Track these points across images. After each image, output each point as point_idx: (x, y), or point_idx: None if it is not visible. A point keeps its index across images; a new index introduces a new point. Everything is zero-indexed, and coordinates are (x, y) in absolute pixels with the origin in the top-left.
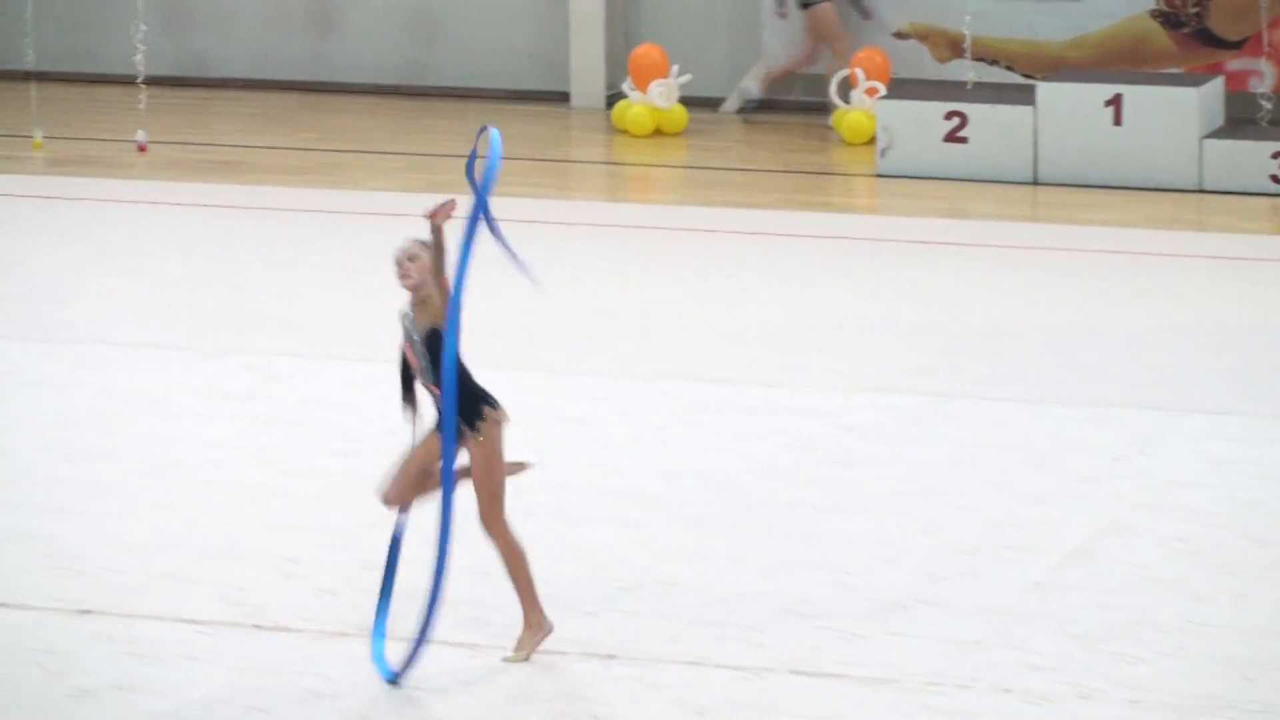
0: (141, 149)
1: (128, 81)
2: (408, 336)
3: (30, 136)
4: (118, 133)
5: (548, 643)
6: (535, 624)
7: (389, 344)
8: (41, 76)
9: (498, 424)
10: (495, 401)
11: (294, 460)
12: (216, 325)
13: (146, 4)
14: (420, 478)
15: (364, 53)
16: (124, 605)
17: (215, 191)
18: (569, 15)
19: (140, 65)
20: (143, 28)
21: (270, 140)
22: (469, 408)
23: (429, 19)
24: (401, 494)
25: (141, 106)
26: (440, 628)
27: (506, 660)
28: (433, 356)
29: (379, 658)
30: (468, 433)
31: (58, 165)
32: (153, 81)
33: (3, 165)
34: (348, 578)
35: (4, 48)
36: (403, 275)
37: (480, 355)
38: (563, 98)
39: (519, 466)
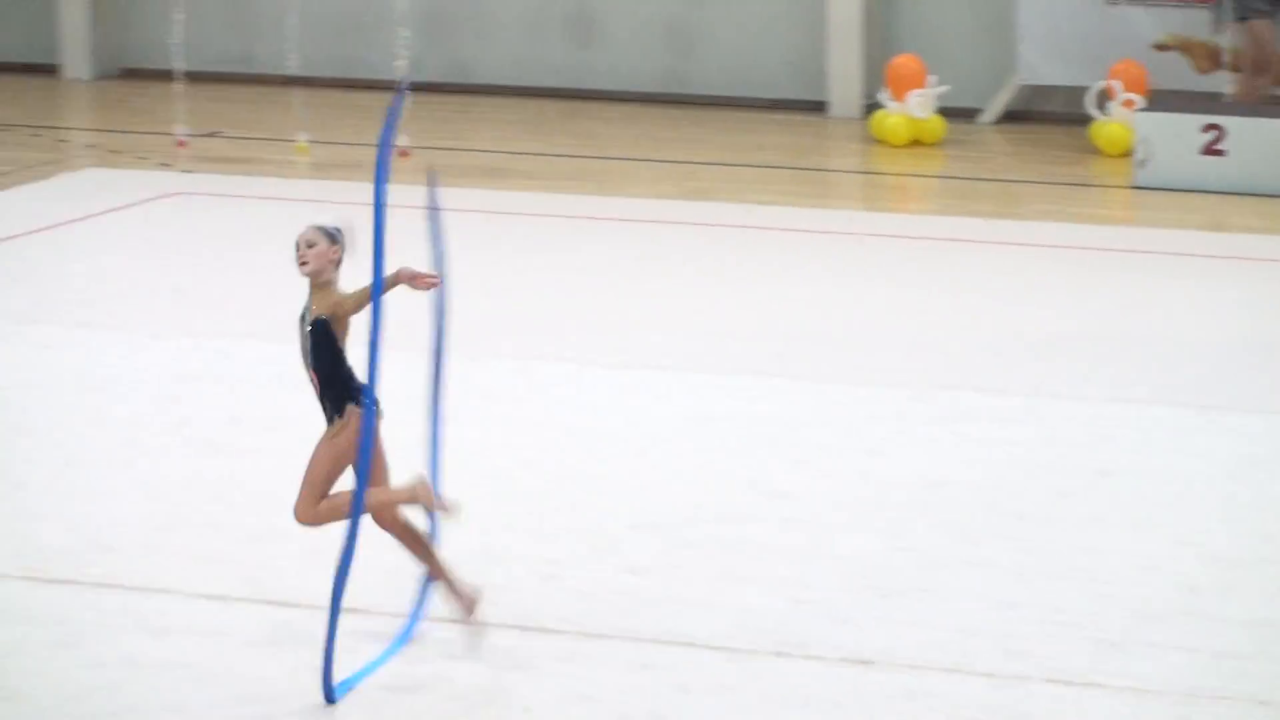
0: (403, 154)
1: (390, 87)
2: (302, 318)
3: (294, 140)
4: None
5: (789, 648)
6: (458, 591)
7: (653, 351)
8: (306, 82)
9: (357, 421)
10: (368, 399)
11: (556, 463)
12: (478, 329)
13: (410, 11)
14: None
15: (623, 61)
16: (382, 605)
17: (475, 196)
18: (827, 25)
19: (404, 72)
20: (405, 35)
21: (530, 147)
22: (343, 396)
23: (688, 29)
24: (307, 508)
25: (405, 112)
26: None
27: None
28: (315, 343)
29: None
30: (335, 420)
31: (321, 169)
32: (415, 87)
33: (268, 168)
34: (608, 581)
35: (270, 53)
36: (300, 261)
37: (743, 363)
38: (820, 107)
39: (432, 500)
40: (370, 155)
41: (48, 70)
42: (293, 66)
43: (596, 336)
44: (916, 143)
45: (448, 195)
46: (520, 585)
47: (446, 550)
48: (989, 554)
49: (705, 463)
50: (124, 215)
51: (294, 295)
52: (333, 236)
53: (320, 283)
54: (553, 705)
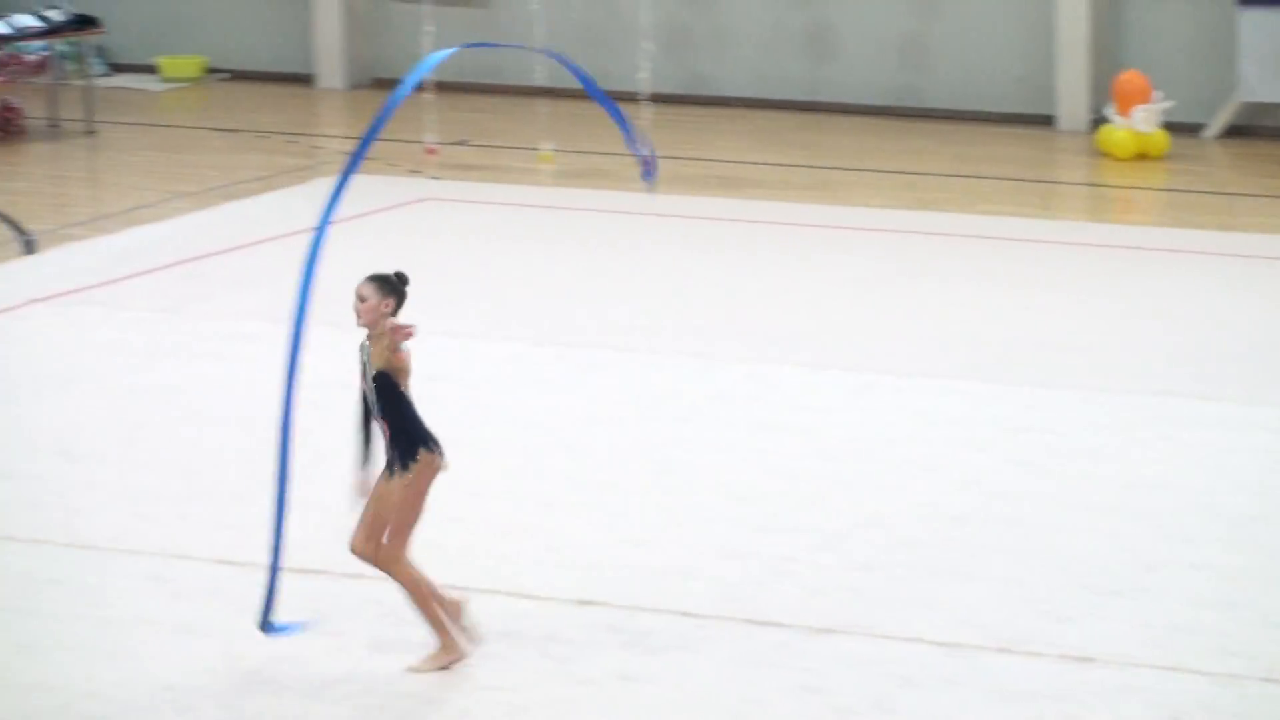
0: (430, 151)
1: (632, 99)
2: (362, 368)
3: (539, 149)
4: (621, 147)
5: (1010, 644)
6: (448, 647)
7: (884, 356)
8: (551, 93)
9: (431, 468)
10: (436, 445)
11: (788, 464)
12: (716, 332)
13: (652, 26)
14: (380, 522)
15: (857, 76)
16: (625, 597)
17: (713, 204)
18: (1055, 43)
19: (645, 84)
20: (649, 49)
21: (766, 157)
22: (405, 446)
23: (920, 44)
24: (365, 541)
25: (644, 123)
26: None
27: (409, 670)
28: (380, 394)
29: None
30: (397, 469)
31: (564, 177)
32: (656, 99)
33: (513, 176)
34: (836, 577)
35: (517, 66)
36: (356, 314)
37: (970, 369)
38: (1048, 121)
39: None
40: (612, 164)
41: (304, 80)
42: (539, 78)
43: (828, 341)
44: (1141, 156)
45: (686, 204)
46: (752, 580)
47: (689, 544)
48: (1206, 555)
49: (931, 464)
50: (374, 219)
51: (530, 298)
52: (384, 289)
53: (376, 334)
54: (780, 696)
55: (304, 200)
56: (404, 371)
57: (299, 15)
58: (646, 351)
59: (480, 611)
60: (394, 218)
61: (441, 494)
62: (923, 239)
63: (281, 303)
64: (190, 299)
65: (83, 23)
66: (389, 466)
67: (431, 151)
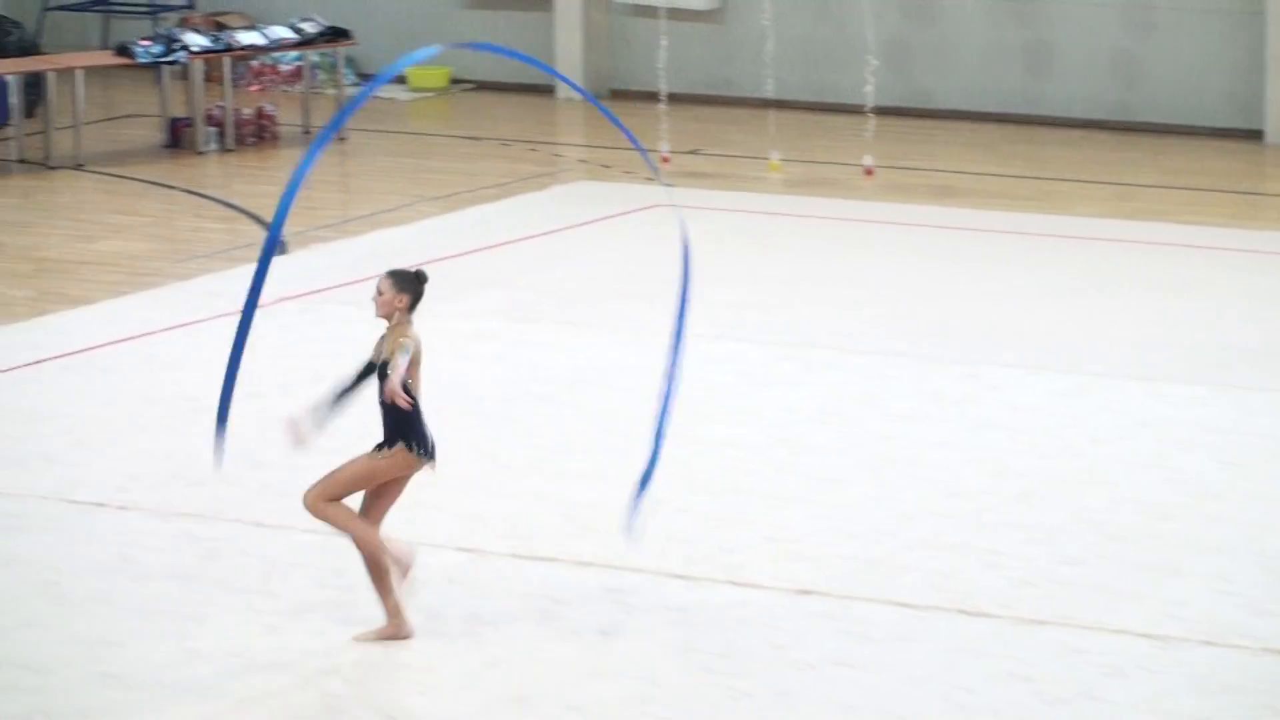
0: (868, 172)
1: (856, 111)
2: (376, 351)
3: (768, 159)
4: (847, 157)
5: (1214, 637)
6: (396, 617)
7: (1095, 359)
8: (780, 105)
9: (405, 462)
10: (422, 447)
11: (1001, 461)
12: (934, 334)
13: (876, 41)
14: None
15: (1073, 90)
16: (843, 587)
17: (933, 213)
18: (1265, 58)
19: (869, 97)
20: (873, 63)
21: (984, 168)
22: (390, 434)
23: (1133, 60)
24: (318, 499)
25: (868, 134)
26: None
27: (355, 638)
28: (381, 383)
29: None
30: (384, 447)
31: (792, 185)
32: (879, 112)
33: (743, 184)
34: (1045, 570)
35: (748, 78)
36: (375, 305)
37: (1177, 372)
38: (1257, 135)
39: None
40: (836, 173)
41: (544, 91)
42: (768, 90)
43: (1041, 344)
44: None
45: (907, 211)
46: (964, 572)
47: (904, 537)
48: None
49: (1140, 462)
50: (609, 224)
51: (756, 300)
52: (401, 285)
53: (393, 325)
54: (990, 684)
55: (543, 205)
56: (414, 373)
57: (541, 29)
58: (867, 352)
59: (705, 600)
60: (629, 222)
61: (671, 486)
62: (1133, 247)
63: (519, 302)
64: (431, 298)
65: (335, 34)
66: (379, 444)
67: (665, 160)
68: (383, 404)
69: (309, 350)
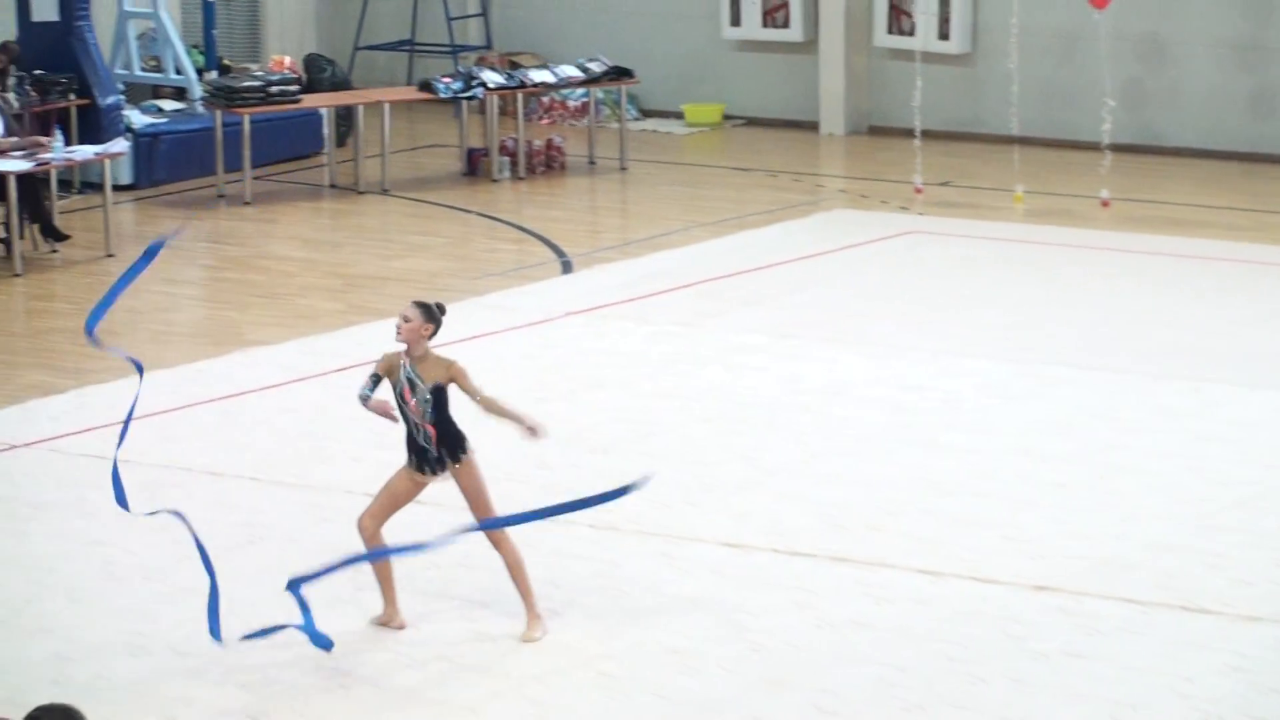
0: (1105, 204)
1: (1094, 148)
2: (409, 382)
3: (1013, 191)
4: (1085, 190)
5: None
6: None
7: None
8: (1024, 141)
9: (471, 461)
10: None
11: (1224, 471)
12: (1162, 354)
13: (1113, 84)
14: (390, 506)
15: None
16: (1075, 584)
17: (1164, 242)
18: None
19: (1105, 135)
20: (1110, 104)
21: (1211, 201)
22: (452, 445)
23: None
24: (370, 520)
25: (1105, 169)
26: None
27: (373, 623)
28: (435, 404)
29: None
30: (449, 463)
31: (1034, 216)
32: (1115, 149)
33: (990, 214)
34: (1264, 570)
35: (995, 116)
36: (398, 331)
37: None
38: None
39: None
40: (1076, 205)
41: (808, 126)
42: (1013, 128)
43: (1264, 363)
44: None
45: (1140, 241)
46: (1187, 572)
47: (1132, 539)
48: None
49: None
50: (867, 249)
51: (998, 320)
52: (426, 315)
53: (416, 353)
54: (1211, 675)
55: (807, 231)
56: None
57: (806, 70)
58: (1099, 369)
59: (947, 593)
60: (883, 247)
61: (918, 489)
62: None
63: (781, 319)
64: (703, 315)
65: (619, 73)
66: (424, 465)
67: (918, 191)
68: (435, 426)
69: (592, 360)
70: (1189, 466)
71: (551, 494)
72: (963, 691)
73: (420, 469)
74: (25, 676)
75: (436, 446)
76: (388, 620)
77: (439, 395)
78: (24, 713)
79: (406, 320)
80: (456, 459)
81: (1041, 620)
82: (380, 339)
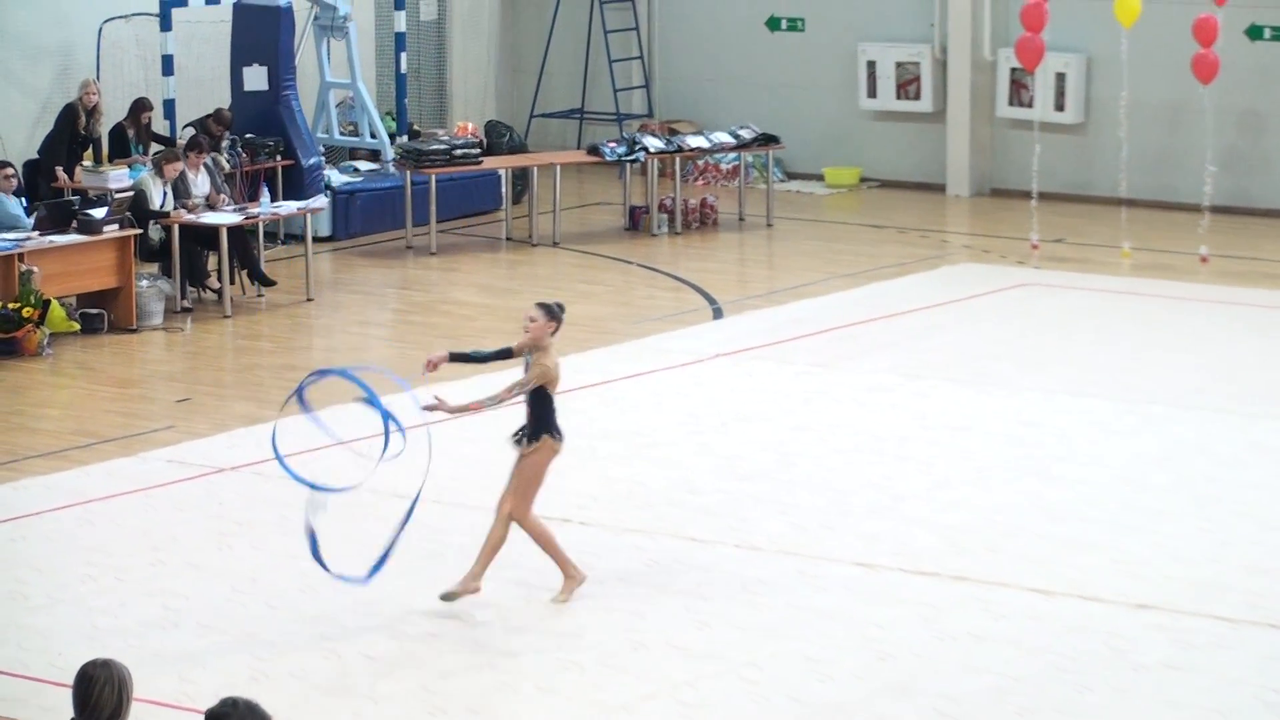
0: (1204, 260)
1: (1194, 209)
2: (526, 366)
3: (1120, 247)
4: (1185, 247)
5: None
6: (571, 575)
7: None
8: (1131, 203)
9: (550, 449)
10: (558, 433)
11: None
12: (1256, 395)
13: (1213, 151)
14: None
15: None
16: (1173, 603)
17: (1258, 295)
18: None
19: (1206, 196)
20: (1211, 169)
21: None
22: (534, 429)
23: None
24: (525, 511)
25: (1204, 228)
26: None
27: (555, 602)
28: (533, 397)
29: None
30: (526, 441)
31: (1140, 270)
32: (1213, 210)
33: (1099, 268)
34: None
35: (1105, 179)
36: (525, 330)
37: None
38: None
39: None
40: (1178, 260)
41: (936, 188)
42: (1121, 190)
43: None
44: None
45: (1238, 294)
46: (1276, 593)
47: (1226, 562)
48: None
49: None
50: (987, 300)
51: (1106, 363)
52: (549, 315)
53: (540, 345)
54: None
55: (934, 283)
56: (554, 382)
57: (935, 136)
58: (1199, 408)
59: (1058, 610)
60: (1003, 298)
61: (1031, 515)
62: None
63: (911, 361)
64: (841, 357)
65: (766, 139)
66: (519, 436)
67: (1035, 247)
68: (531, 408)
69: (739, 397)
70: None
71: (705, 515)
72: (1070, 699)
73: (517, 440)
74: (227, 676)
75: (527, 425)
76: (465, 587)
77: (536, 391)
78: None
79: (533, 320)
80: (528, 443)
81: (1143, 636)
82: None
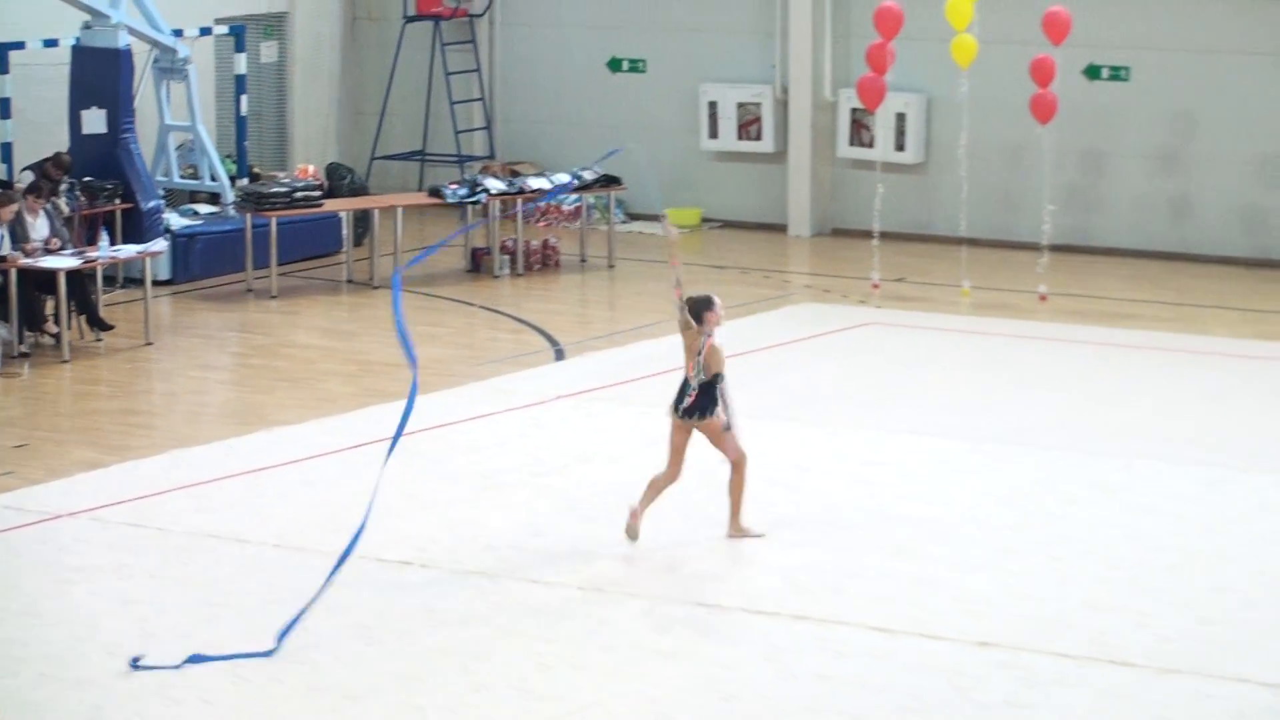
0: (1043, 299)
1: (1033, 247)
2: (702, 344)
3: (961, 286)
4: (1025, 285)
5: None
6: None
7: (1235, 454)
8: (971, 242)
9: (719, 424)
10: (728, 417)
11: (1153, 539)
12: (1097, 433)
13: (1052, 188)
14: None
15: (1212, 233)
16: (1016, 640)
17: (1096, 333)
18: None
19: (1046, 235)
20: (1050, 208)
21: (1139, 295)
22: (706, 405)
23: (1261, 210)
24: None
25: (1043, 267)
26: None
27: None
28: (706, 385)
29: None
30: (697, 415)
31: (978, 308)
32: (1052, 248)
33: (940, 307)
34: (1185, 629)
35: (945, 220)
36: (715, 322)
37: None
38: None
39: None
40: (1017, 299)
41: (778, 229)
42: (961, 230)
43: (1185, 440)
44: None
45: (1075, 331)
46: (1116, 630)
47: (1067, 600)
48: None
49: (1273, 541)
50: (828, 339)
51: (947, 402)
52: (709, 305)
53: (707, 329)
54: None
55: (777, 322)
56: (720, 364)
57: (775, 178)
58: (1042, 447)
59: (898, 649)
60: (845, 337)
61: (877, 553)
62: (1263, 363)
63: (753, 402)
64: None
65: (608, 181)
66: (678, 406)
67: (876, 286)
68: (700, 387)
69: (581, 439)
70: (1122, 535)
71: (547, 557)
72: None
73: (676, 409)
74: None
75: (694, 401)
76: (635, 518)
77: (705, 384)
78: None
79: (716, 316)
80: (703, 417)
81: (985, 674)
82: (390, 419)
